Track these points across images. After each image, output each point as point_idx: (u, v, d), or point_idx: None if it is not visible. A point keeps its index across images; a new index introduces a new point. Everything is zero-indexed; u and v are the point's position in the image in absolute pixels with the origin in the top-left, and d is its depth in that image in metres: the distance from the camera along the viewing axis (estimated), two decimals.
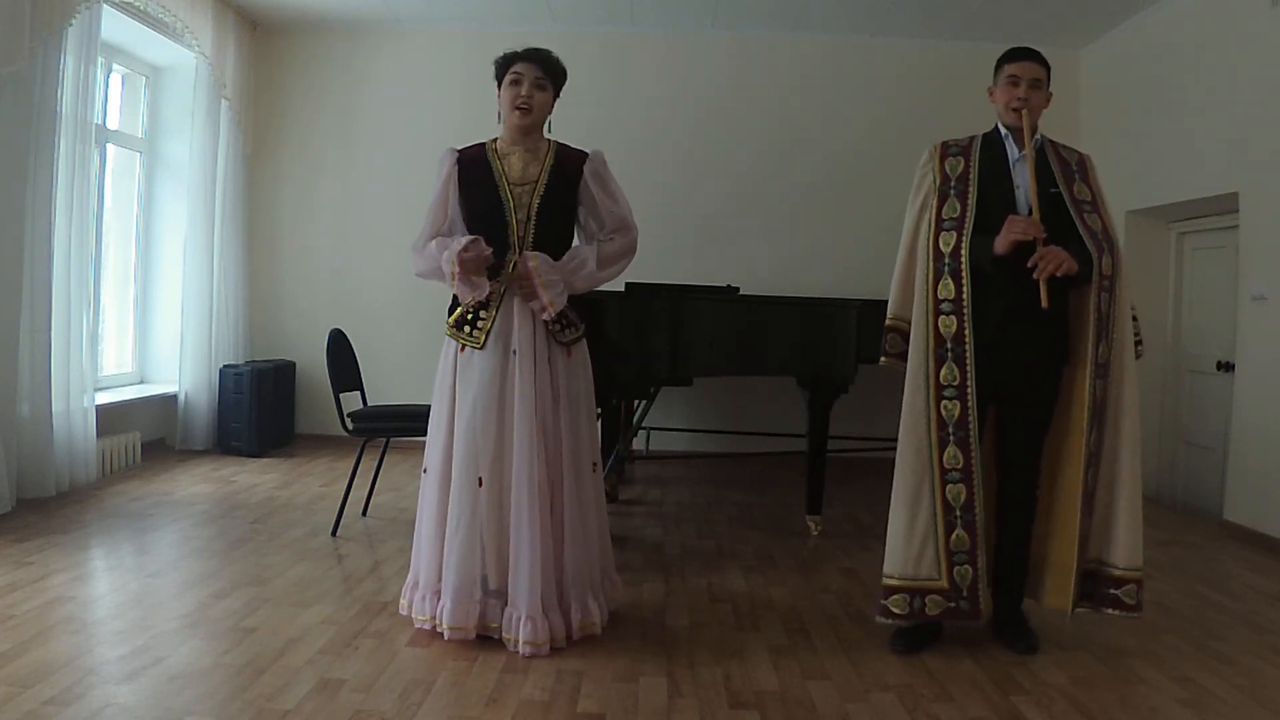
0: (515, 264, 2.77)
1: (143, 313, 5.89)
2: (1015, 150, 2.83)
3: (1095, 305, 2.71)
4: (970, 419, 2.73)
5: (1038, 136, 2.84)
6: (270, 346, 6.29)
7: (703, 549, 3.97)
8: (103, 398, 5.02)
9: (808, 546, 4.06)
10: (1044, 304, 2.64)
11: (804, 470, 4.29)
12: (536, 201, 2.81)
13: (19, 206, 4.12)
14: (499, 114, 2.88)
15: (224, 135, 5.81)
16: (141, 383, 5.86)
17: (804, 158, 6.22)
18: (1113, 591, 2.79)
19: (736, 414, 6.20)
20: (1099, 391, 2.75)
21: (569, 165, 2.87)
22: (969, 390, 2.73)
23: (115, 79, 5.59)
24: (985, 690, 2.55)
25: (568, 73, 2.92)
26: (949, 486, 2.75)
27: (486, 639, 2.76)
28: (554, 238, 2.85)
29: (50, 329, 4.33)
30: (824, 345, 4.09)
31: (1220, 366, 4.90)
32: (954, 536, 2.75)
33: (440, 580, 2.79)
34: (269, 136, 6.27)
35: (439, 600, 2.78)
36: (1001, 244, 2.71)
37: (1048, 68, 2.85)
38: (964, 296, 2.72)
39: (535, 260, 2.74)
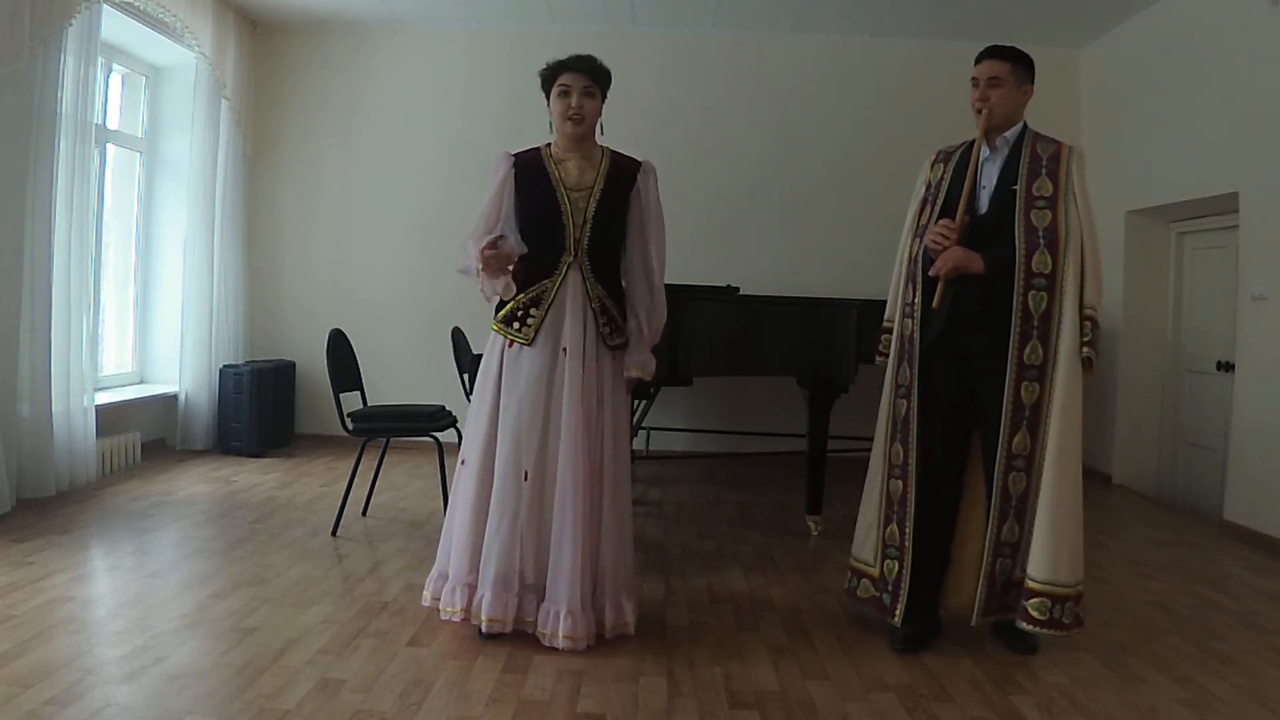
0: (569, 266, 2.82)
1: (143, 313, 5.89)
2: (986, 151, 2.86)
3: (1020, 303, 2.68)
4: (911, 418, 2.82)
5: (1008, 133, 2.83)
6: (270, 346, 6.29)
7: (703, 549, 3.97)
8: (103, 398, 5.02)
9: (808, 546, 4.06)
10: (935, 304, 2.73)
11: (804, 470, 4.29)
12: (593, 207, 2.86)
13: (19, 206, 4.12)
14: (550, 124, 2.93)
15: (224, 135, 5.81)
16: (141, 383, 5.86)
17: (803, 158, 6.23)
18: (1024, 604, 2.70)
19: (736, 414, 6.20)
20: (1024, 394, 2.70)
21: (623, 173, 2.94)
22: (914, 391, 2.83)
23: (115, 79, 5.59)
24: (985, 690, 2.55)
25: (611, 74, 2.97)
26: (892, 481, 2.91)
27: (489, 637, 2.77)
28: (608, 241, 2.91)
29: (50, 329, 4.33)
30: (824, 345, 4.09)
31: (1220, 366, 4.90)
32: (889, 530, 2.90)
33: (471, 573, 2.79)
34: (269, 136, 6.27)
35: (472, 593, 2.78)
36: (931, 252, 2.79)
37: (1011, 60, 2.81)
38: (916, 300, 2.85)
39: (639, 371, 2.89)
